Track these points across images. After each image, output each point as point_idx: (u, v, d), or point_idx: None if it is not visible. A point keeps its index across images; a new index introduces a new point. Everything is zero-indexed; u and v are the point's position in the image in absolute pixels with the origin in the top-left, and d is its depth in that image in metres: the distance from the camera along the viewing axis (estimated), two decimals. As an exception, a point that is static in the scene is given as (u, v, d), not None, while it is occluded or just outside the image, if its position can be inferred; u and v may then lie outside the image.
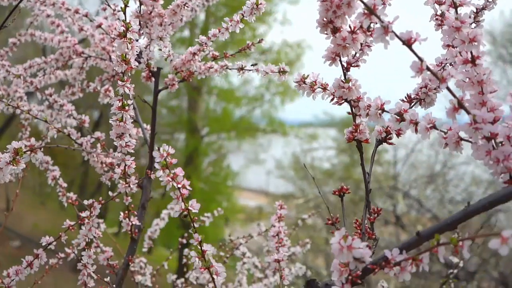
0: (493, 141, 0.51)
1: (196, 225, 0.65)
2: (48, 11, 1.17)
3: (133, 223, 0.95)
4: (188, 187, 0.61)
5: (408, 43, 0.49)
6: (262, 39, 0.96)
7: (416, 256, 0.48)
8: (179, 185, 0.60)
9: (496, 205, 0.48)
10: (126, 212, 0.94)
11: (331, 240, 0.49)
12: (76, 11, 1.07)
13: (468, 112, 0.50)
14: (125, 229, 0.96)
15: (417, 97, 0.66)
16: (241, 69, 0.93)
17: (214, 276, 0.63)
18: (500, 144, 0.50)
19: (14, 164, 0.66)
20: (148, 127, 1.11)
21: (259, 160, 12.22)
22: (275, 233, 0.94)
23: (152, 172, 0.95)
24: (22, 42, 1.31)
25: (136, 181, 0.89)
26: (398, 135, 0.65)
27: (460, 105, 0.50)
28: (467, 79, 0.53)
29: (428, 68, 0.49)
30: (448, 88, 0.49)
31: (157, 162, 0.59)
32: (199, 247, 0.63)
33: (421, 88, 0.66)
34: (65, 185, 1.07)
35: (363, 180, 0.66)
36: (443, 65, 0.67)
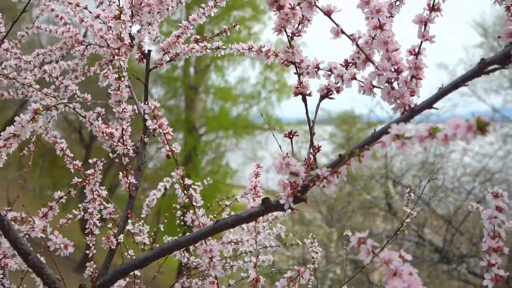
0: (395, 84, 0.68)
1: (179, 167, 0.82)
2: (52, 5, 1.34)
3: (131, 181, 1.12)
4: (172, 133, 0.78)
5: (328, 13, 0.66)
6: (236, 24, 1.13)
7: (336, 169, 0.65)
8: (165, 131, 0.77)
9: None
10: (125, 172, 1.11)
11: (274, 161, 0.66)
12: (77, 5, 1.25)
13: (373, 63, 0.67)
14: (123, 188, 1.13)
15: (352, 61, 0.84)
16: (217, 48, 1.10)
17: (194, 203, 0.80)
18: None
19: (33, 122, 0.83)
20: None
21: (257, 157, 12.38)
22: (252, 187, 1.12)
23: (146, 137, 1.12)
24: (29, 34, 1.48)
25: (132, 144, 1.06)
26: (337, 91, 0.83)
27: (367, 58, 0.67)
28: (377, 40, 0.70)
29: (342, 31, 0.66)
30: (358, 46, 0.67)
31: (146, 113, 0.77)
32: (181, 182, 0.80)
33: (355, 53, 0.83)
34: (71, 155, 1.24)
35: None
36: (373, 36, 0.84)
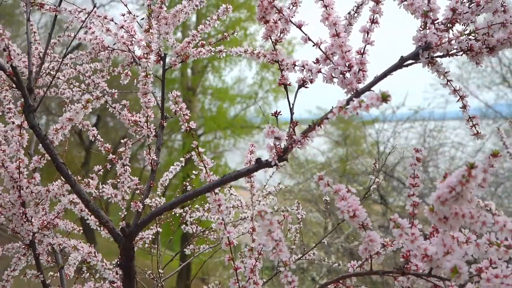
0: (347, 75, 0.97)
1: (195, 141, 1.11)
2: (82, 17, 1.62)
3: (153, 158, 1.41)
4: (188, 114, 1.07)
5: (299, 26, 0.96)
6: (234, 31, 1.43)
7: (306, 135, 0.94)
8: (184, 113, 1.06)
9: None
10: (148, 150, 1.40)
11: (263, 130, 0.95)
12: (105, 17, 1.53)
13: (331, 61, 0.96)
14: (146, 163, 1.42)
15: (322, 60, 1.12)
16: (220, 51, 1.39)
17: (206, 165, 1.09)
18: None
19: (85, 108, 1.12)
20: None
21: (256, 156, 12.63)
22: (248, 161, 1.41)
23: (165, 122, 1.41)
24: (60, 41, 1.77)
25: (155, 127, 1.35)
26: (311, 82, 1.11)
27: (327, 57, 0.96)
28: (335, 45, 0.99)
29: (309, 39, 0.95)
30: (320, 49, 0.96)
31: (170, 100, 1.05)
32: (197, 150, 1.09)
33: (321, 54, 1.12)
34: (102, 139, 1.53)
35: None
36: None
